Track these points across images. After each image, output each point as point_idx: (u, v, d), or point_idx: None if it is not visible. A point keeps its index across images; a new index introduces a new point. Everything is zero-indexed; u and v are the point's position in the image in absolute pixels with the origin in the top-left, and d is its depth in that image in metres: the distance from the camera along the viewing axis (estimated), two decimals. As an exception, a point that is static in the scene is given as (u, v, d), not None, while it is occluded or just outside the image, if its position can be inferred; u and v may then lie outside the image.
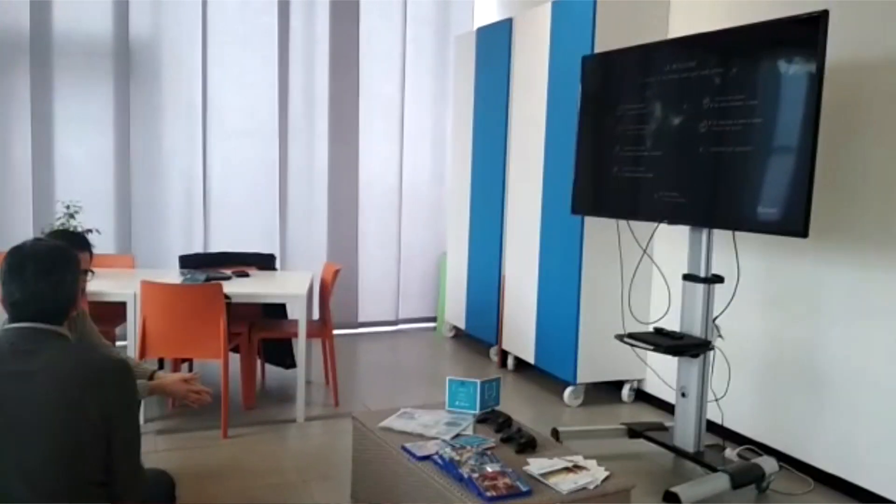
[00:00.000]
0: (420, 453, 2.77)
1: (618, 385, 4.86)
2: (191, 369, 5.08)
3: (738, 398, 3.99)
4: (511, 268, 5.38)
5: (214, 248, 6.07)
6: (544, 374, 5.17)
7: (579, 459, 2.76)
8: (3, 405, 1.68)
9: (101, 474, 1.82)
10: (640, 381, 4.82)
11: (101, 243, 5.38)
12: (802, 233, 2.88)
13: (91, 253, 2.87)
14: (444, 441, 2.90)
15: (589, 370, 4.66)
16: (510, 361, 5.51)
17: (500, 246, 5.51)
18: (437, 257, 6.80)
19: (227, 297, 4.03)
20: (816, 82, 2.82)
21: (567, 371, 4.70)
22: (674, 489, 3.11)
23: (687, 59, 3.38)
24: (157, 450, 3.81)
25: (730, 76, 3.17)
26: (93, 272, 2.85)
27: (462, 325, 6.14)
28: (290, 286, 4.43)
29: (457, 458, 2.66)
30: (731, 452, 3.72)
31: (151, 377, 2.95)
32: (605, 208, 3.95)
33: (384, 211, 6.67)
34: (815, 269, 3.61)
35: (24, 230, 5.42)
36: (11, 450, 1.68)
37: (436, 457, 2.71)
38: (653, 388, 4.72)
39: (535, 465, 2.70)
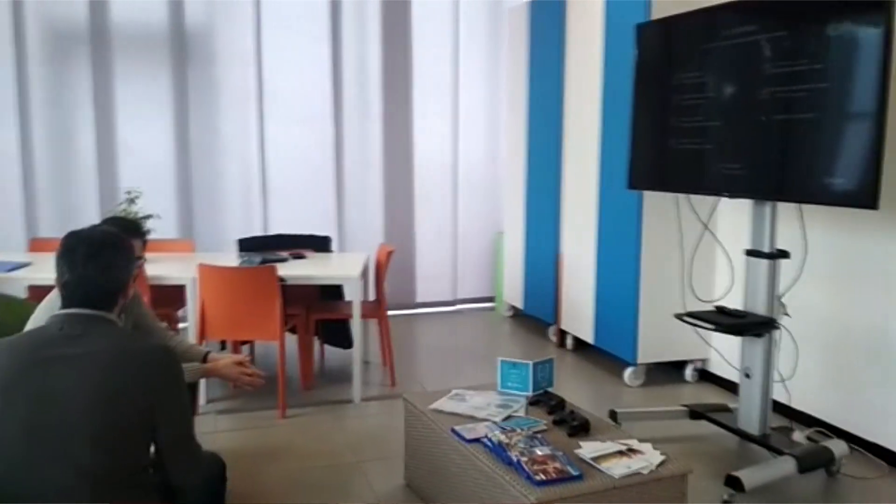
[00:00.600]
0: (469, 436, 2.73)
1: (680, 365, 4.72)
2: (252, 351, 5.17)
3: (807, 378, 3.82)
4: (568, 246, 5.27)
5: (273, 230, 6.14)
6: (604, 354, 5.06)
7: (634, 443, 2.67)
8: (50, 388, 1.71)
9: (145, 459, 1.83)
10: (703, 361, 4.67)
11: (162, 228, 5.49)
12: (872, 204, 2.70)
13: (144, 240, 2.90)
14: (494, 423, 2.85)
15: (650, 350, 4.53)
16: (569, 341, 5.41)
17: (557, 224, 5.40)
18: (494, 236, 6.73)
19: (281, 279, 4.06)
20: (885, 44, 2.62)
21: (627, 351, 4.59)
22: (736, 473, 2.99)
23: (746, 23, 3.20)
24: (216, 430, 3.88)
25: (793, 39, 2.98)
26: (145, 258, 2.88)
27: (520, 305, 6.07)
28: (344, 268, 4.43)
29: (506, 440, 2.60)
30: (799, 435, 3.56)
31: (205, 359, 2.99)
32: (662, 182, 3.81)
33: (439, 191, 6.62)
34: (887, 243, 3.40)
35: (89, 216, 5.57)
36: (57, 434, 1.70)
37: (485, 439, 2.66)
38: (717, 368, 4.56)
39: (588, 448, 2.62)
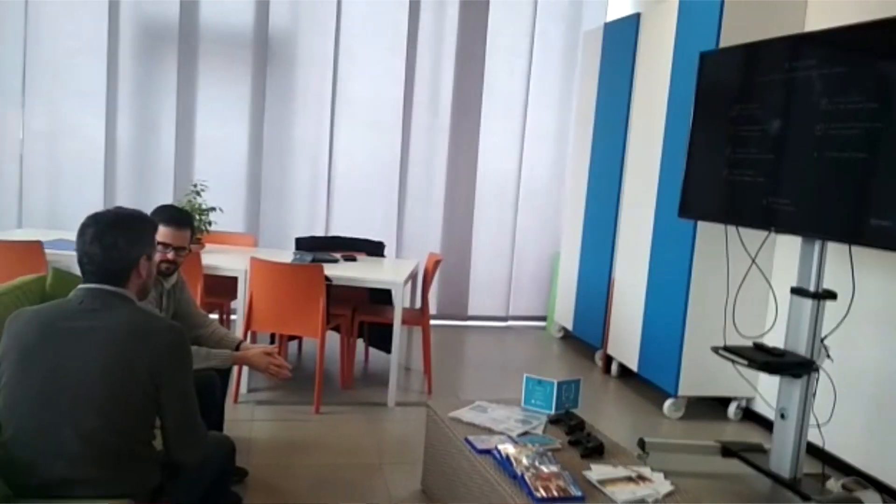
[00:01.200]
0: (481, 447, 2.75)
1: (726, 402, 4.60)
2: (299, 348, 5.31)
3: (848, 425, 3.68)
4: (621, 271, 5.22)
5: (334, 232, 6.30)
6: (647, 384, 4.98)
7: (646, 471, 2.64)
8: (64, 357, 1.83)
9: (149, 433, 1.94)
10: (749, 399, 4.53)
11: (229, 222, 5.75)
12: (917, 249, 2.60)
13: (191, 230, 3.03)
14: (509, 437, 2.86)
15: (692, 383, 4.43)
16: (614, 367, 5.35)
17: (612, 249, 5.35)
18: (552, 256, 6.71)
19: (327, 278, 4.17)
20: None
21: (669, 382, 4.50)
22: (756, 515, 2.91)
23: (804, 56, 3.13)
24: (253, 418, 4.01)
25: (849, 76, 2.91)
26: (189, 249, 3.01)
27: (570, 327, 6.03)
28: (390, 273, 4.52)
29: (515, 454, 2.61)
30: (834, 483, 3.44)
31: (237, 348, 3.11)
32: (713, 213, 3.74)
33: (500, 207, 6.66)
34: (946, 293, 3.25)
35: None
36: (68, 402, 1.82)
37: (495, 451, 2.68)
38: (762, 407, 4.42)
39: (597, 471, 2.60)
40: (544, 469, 2.53)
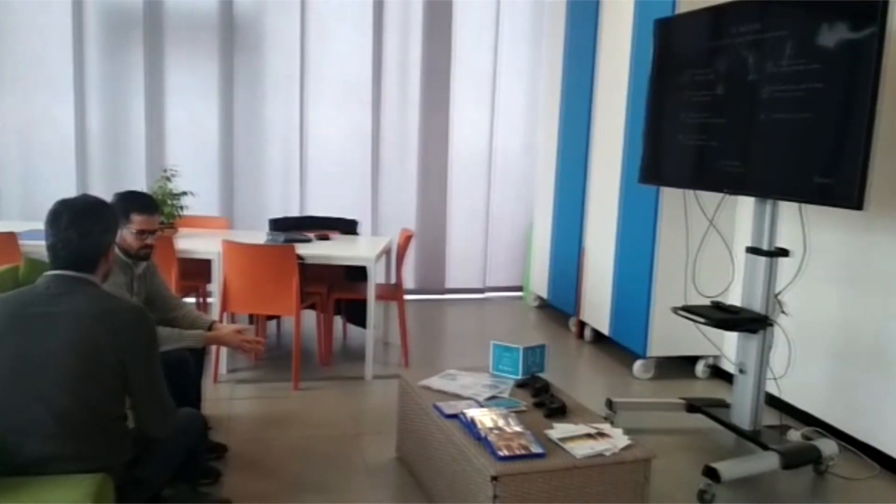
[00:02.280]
0: (448, 412, 2.85)
1: (693, 361, 4.74)
2: (278, 327, 5.40)
3: (808, 378, 3.82)
4: (591, 239, 5.33)
5: (309, 212, 6.36)
6: (618, 347, 5.12)
7: (605, 427, 2.76)
8: (33, 340, 1.91)
9: (119, 410, 2.03)
10: (716, 357, 4.67)
11: (203, 205, 5.80)
12: (857, 205, 2.71)
13: (156, 213, 3.09)
14: (475, 401, 2.98)
15: (660, 344, 4.57)
16: (587, 333, 5.47)
17: (582, 217, 5.46)
18: (526, 227, 6.81)
19: (300, 257, 4.25)
20: (877, 45, 2.62)
21: (638, 344, 4.64)
22: (714, 465, 3.04)
23: (750, 21, 3.22)
24: (232, 397, 4.10)
25: (793, 39, 3.00)
26: (154, 232, 3.06)
27: (545, 295, 6.15)
28: (363, 250, 4.60)
29: (480, 417, 2.72)
30: (795, 433, 3.58)
31: (211, 328, 3.20)
32: (670, 178, 3.84)
33: (474, 180, 6.74)
34: (890, 245, 3.37)
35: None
36: (38, 383, 1.90)
37: (461, 415, 2.79)
38: (729, 365, 4.56)
39: (559, 429, 2.72)
40: (507, 429, 2.64)
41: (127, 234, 2.90)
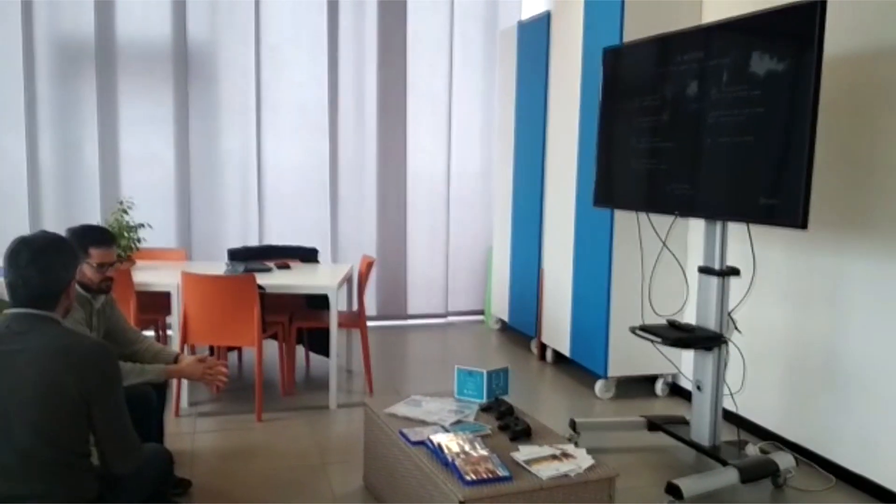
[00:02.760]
0: (414, 438, 2.87)
1: (653, 379, 4.83)
2: (239, 359, 5.35)
3: (762, 393, 3.94)
4: (549, 261, 5.41)
5: (268, 241, 6.35)
6: (580, 368, 5.19)
7: (569, 448, 2.80)
8: (-3, 380, 1.89)
9: (84, 447, 2.01)
10: (675, 375, 4.77)
11: (160, 237, 5.76)
12: (801, 224, 2.82)
13: (114, 246, 3.07)
14: (441, 427, 3.00)
15: (620, 364, 4.65)
16: (549, 354, 5.54)
17: (540, 239, 5.55)
18: (486, 251, 6.88)
19: (260, 287, 4.23)
20: (814, 69, 2.76)
21: (598, 364, 4.71)
22: (676, 481, 3.11)
23: (695, 49, 3.35)
24: (195, 431, 4.05)
25: (734, 66, 3.13)
26: (113, 264, 3.05)
27: (506, 318, 6.21)
28: (323, 278, 4.60)
29: (446, 443, 2.75)
30: (752, 448, 3.67)
31: (176, 360, 3.18)
32: (623, 201, 3.95)
33: (432, 205, 6.80)
34: (836, 262, 3.51)
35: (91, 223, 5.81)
36: (1, 422, 1.88)
37: (427, 441, 2.81)
38: (686, 383, 4.67)
39: (524, 452, 2.76)
40: (474, 454, 2.67)
41: (87, 269, 2.88)
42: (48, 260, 1.99)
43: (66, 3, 5.84)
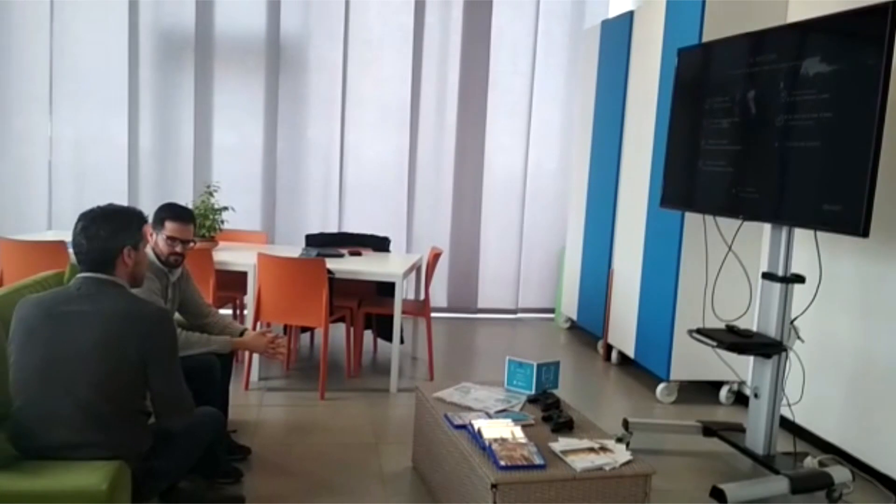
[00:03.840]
0: (457, 422, 2.96)
1: (718, 386, 4.74)
2: (311, 339, 5.57)
3: (823, 404, 3.82)
4: (619, 262, 5.38)
5: (347, 229, 6.56)
6: (643, 370, 5.15)
7: (609, 443, 2.82)
8: (62, 336, 2.09)
9: (140, 403, 2.19)
10: (741, 383, 4.67)
11: (246, 221, 6.08)
12: (863, 232, 2.75)
13: (195, 225, 3.29)
14: (485, 413, 3.07)
15: (683, 368, 4.59)
16: (614, 355, 5.51)
17: (611, 240, 5.52)
18: (559, 250, 6.88)
19: (330, 272, 4.41)
20: (882, 75, 2.67)
21: (661, 367, 4.67)
22: (721, 486, 3.07)
23: (768, 51, 3.29)
24: (262, 404, 4.27)
25: (805, 69, 3.06)
26: (195, 242, 3.27)
27: (575, 317, 6.20)
28: (391, 266, 4.74)
29: (486, 428, 2.81)
30: (811, 460, 3.57)
31: (242, 335, 3.37)
32: (690, 203, 3.90)
33: (508, 203, 6.86)
34: (912, 275, 3.38)
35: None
36: (66, 376, 2.08)
37: (469, 426, 2.89)
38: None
39: (563, 443, 2.80)
40: (511, 441, 2.74)
41: (160, 240, 3.11)
42: (95, 228, 2.18)
43: (169, -2, 6.22)
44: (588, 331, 6.02)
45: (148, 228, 2.89)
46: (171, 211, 3.22)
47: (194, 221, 3.32)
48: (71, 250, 4.27)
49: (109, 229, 2.21)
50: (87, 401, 2.06)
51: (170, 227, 3.12)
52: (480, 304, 6.89)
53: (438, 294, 6.76)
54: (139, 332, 2.11)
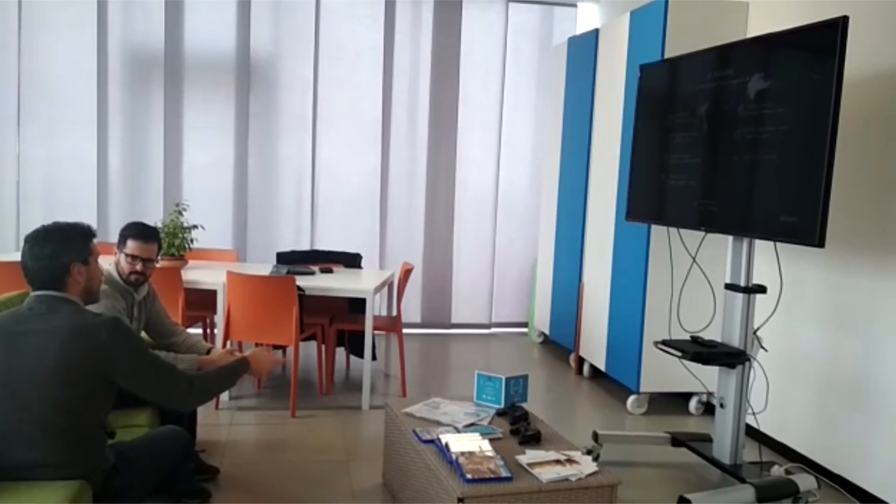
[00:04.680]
0: (425, 437, 2.96)
1: (687, 397, 4.79)
2: (283, 355, 5.54)
3: (789, 413, 3.88)
4: (589, 276, 5.43)
5: (320, 246, 6.55)
6: (614, 383, 5.18)
7: (576, 455, 2.84)
8: (19, 356, 2.08)
9: (102, 419, 2.18)
10: (710, 394, 4.71)
11: (217, 239, 6.07)
12: (818, 242, 2.81)
13: (158, 245, 3.27)
14: (454, 428, 3.08)
15: (653, 380, 4.63)
16: (586, 368, 5.55)
17: (581, 254, 5.57)
18: (532, 264, 6.92)
19: (300, 289, 4.41)
20: (833, 88, 2.75)
21: (631, 379, 4.71)
22: (688, 496, 3.10)
23: (726, 66, 3.36)
24: (232, 423, 4.24)
25: (760, 84, 3.13)
26: (157, 261, 3.26)
27: (548, 331, 6.24)
28: (361, 282, 4.75)
29: (453, 442, 2.82)
30: (778, 469, 3.63)
31: (208, 353, 3.36)
32: (655, 216, 3.96)
33: (480, 218, 6.90)
34: (872, 284, 3.44)
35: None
36: (22, 395, 2.07)
37: (436, 440, 2.90)
38: (721, 401, 4.60)
39: (530, 455, 2.82)
40: (478, 454, 2.75)
41: (121, 258, 3.10)
42: (38, 247, 2.17)
43: (137, 16, 6.20)
44: (560, 344, 6.05)
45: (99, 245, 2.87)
46: (133, 229, 3.21)
47: (158, 241, 3.31)
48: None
49: (53, 248, 2.19)
50: (45, 419, 2.05)
51: (131, 245, 3.11)
52: (454, 320, 6.91)
53: (412, 310, 6.76)
54: (93, 344, 2.10)
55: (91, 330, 2.13)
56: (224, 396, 4.58)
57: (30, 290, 3.01)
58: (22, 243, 2.23)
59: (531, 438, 3.00)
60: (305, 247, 6.59)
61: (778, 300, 3.50)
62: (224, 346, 4.36)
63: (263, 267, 5.11)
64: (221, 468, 3.52)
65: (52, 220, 2.31)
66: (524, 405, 3.43)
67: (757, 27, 4.35)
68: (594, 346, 5.28)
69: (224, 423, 4.24)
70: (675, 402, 4.85)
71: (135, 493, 2.30)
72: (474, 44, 6.74)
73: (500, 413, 3.33)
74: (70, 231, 2.26)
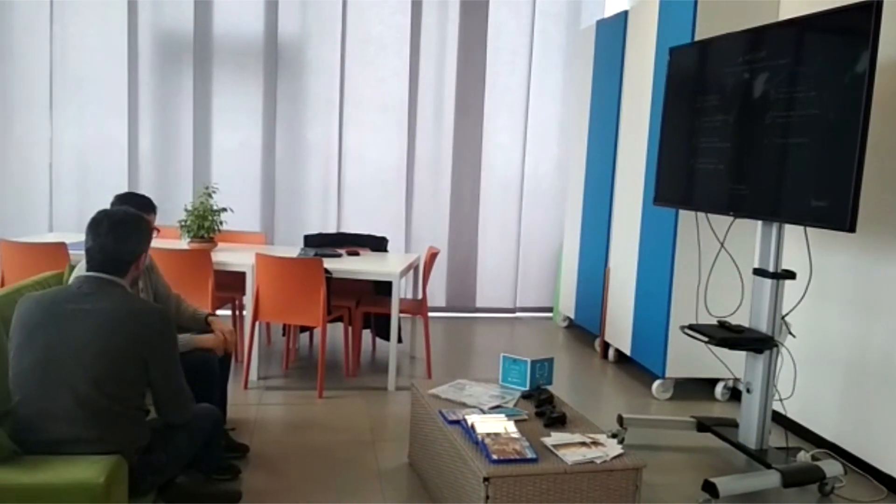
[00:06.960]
0: (451, 418, 3.00)
1: (713, 383, 4.78)
2: (311, 339, 5.61)
3: (816, 399, 3.86)
4: (615, 260, 5.42)
5: (346, 229, 6.60)
6: (639, 367, 5.18)
7: (601, 437, 2.86)
8: (63, 334, 2.13)
9: (139, 399, 2.24)
10: (737, 380, 4.70)
11: (245, 222, 6.13)
12: (849, 227, 2.78)
13: (149, 214, 3.29)
14: (479, 409, 3.11)
15: (679, 365, 4.62)
16: (611, 353, 5.55)
17: (608, 239, 5.56)
18: (557, 248, 6.92)
19: (327, 271, 4.45)
20: (867, 72, 2.71)
21: (657, 364, 4.70)
22: (713, 479, 3.11)
23: (758, 49, 3.32)
24: (260, 402, 4.31)
25: (792, 66, 3.09)
26: (157, 230, 3.28)
27: (573, 316, 6.24)
28: (388, 266, 4.78)
29: (479, 423, 2.85)
30: (804, 455, 3.62)
31: (206, 320, 3.38)
32: (683, 200, 3.94)
33: (506, 202, 6.90)
34: (901, 270, 3.41)
35: (182, 206, 6.21)
36: (66, 372, 2.13)
37: (462, 421, 2.93)
38: (747, 387, 4.59)
39: (555, 437, 2.84)
40: (504, 435, 2.77)
41: None
42: (125, 231, 2.24)
43: (167, 1, 6.26)
44: (585, 329, 6.05)
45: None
46: (132, 202, 3.20)
47: (154, 209, 3.31)
48: (73, 251, 4.35)
49: (137, 235, 2.28)
50: (87, 397, 2.11)
51: None
52: (479, 304, 6.93)
53: (437, 293, 6.80)
54: (140, 330, 2.16)
55: (145, 315, 2.19)
56: (253, 376, 4.65)
57: (66, 268, 3.10)
58: (96, 221, 2.25)
59: (556, 420, 3.02)
60: (332, 230, 6.64)
61: (807, 286, 3.48)
62: (252, 327, 4.43)
63: (291, 250, 5.16)
64: (251, 446, 3.59)
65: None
66: (550, 388, 3.44)
67: (789, 10, 4.28)
68: (620, 331, 5.28)
69: (253, 402, 4.31)
70: (700, 387, 4.84)
71: (169, 468, 2.37)
72: (501, 27, 6.71)
73: (525, 395, 3.35)
74: (146, 221, 2.34)
